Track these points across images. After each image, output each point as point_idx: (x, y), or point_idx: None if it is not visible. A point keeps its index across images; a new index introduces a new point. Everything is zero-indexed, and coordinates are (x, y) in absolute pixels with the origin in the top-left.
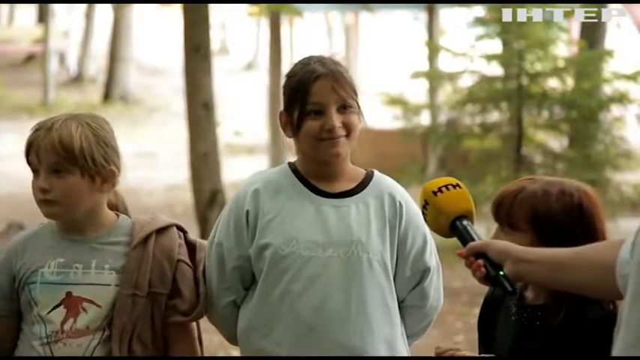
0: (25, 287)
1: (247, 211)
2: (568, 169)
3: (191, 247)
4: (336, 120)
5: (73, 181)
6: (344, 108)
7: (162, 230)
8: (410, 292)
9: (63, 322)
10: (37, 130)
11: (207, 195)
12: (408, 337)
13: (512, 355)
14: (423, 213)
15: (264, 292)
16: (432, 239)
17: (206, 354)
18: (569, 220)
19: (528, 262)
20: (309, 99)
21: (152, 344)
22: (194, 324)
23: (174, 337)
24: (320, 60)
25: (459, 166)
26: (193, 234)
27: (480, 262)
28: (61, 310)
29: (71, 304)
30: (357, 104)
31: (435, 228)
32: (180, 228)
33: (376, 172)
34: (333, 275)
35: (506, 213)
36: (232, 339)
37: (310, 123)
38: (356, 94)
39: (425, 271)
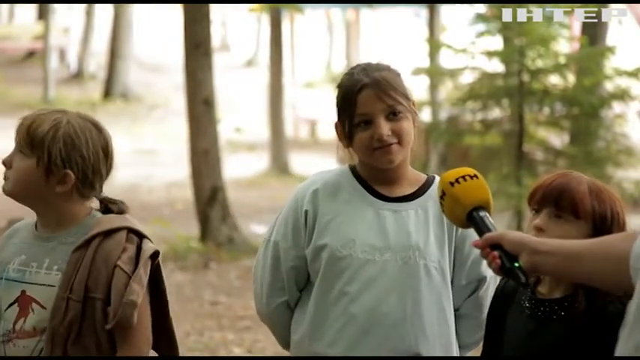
0: None
1: (306, 212)
2: (569, 166)
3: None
4: (385, 128)
5: (28, 165)
6: (393, 115)
7: (109, 233)
8: (465, 300)
9: (15, 322)
10: None
11: (208, 192)
12: (460, 347)
13: (526, 349)
14: (441, 204)
15: (320, 293)
16: None
17: (206, 353)
18: (622, 214)
19: (544, 253)
20: (356, 111)
21: (96, 349)
22: (140, 329)
23: (117, 343)
24: (364, 69)
25: (459, 162)
26: (194, 230)
27: (496, 253)
28: (15, 309)
29: (24, 303)
30: (409, 107)
31: (453, 218)
32: (135, 232)
33: (437, 178)
34: (390, 279)
35: (571, 201)
36: (284, 342)
37: (360, 134)
38: (407, 97)
39: (481, 280)
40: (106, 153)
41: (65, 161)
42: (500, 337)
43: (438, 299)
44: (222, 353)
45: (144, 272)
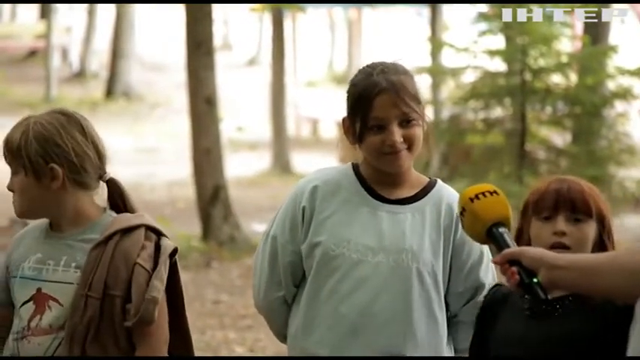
0: (11, 280)
1: (304, 208)
2: (571, 165)
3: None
4: (397, 135)
5: (20, 180)
6: (407, 122)
7: (128, 231)
8: (463, 307)
9: (30, 319)
10: None
11: (210, 191)
12: (457, 351)
13: (527, 348)
14: (461, 220)
15: (312, 290)
16: (489, 255)
17: (208, 352)
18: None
19: (562, 268)
20: (371, 114)
21: (114, 346)
22: (159, 327)
23: (136, 340)
24: (383, 71)
25: (461, 162)
26: (195, 229)
27: (514, 269)
28: (31, 306)
29: (40, 301)
30: (420, 113)
31: (472, 234)
32: (153, 229)
33: (439, 181)
34: (381, 280)
35: (585, 203)
36: (281, 336)
37: (372, 138)
38: (419, 102)
39: (479, 287)
40: (84, 134)
41: (45, 157)
42: (490, 339)
43: (428, 303)
44: (224, 352)
45: (164, 269)
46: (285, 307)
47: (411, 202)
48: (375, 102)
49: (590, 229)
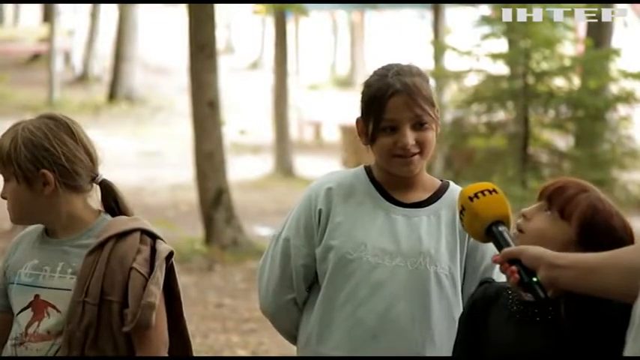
0: (9, 286)
1: (320, 210)
2: (574, 169)
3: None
4: (410, 138)
5: (12, 187)
6: (420, 125)
7: (123, 235)
8: None
9: (28, 326)
10: None
11: (213, 194)
12: None
13: (517, 352)
14: (460, 219)
15: (327, 295)
16: None
17: (210, 353)
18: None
19: (561, 267)
20: (384, 115)
21: (113, 351)
22: (158, 331)
23: (135, 345)
24: (398, 72)
25: (464, 165)
26: (198, 233)
27: (514, 268)
28: (29, 313)
29: (38, 307)
30: (434, 116)
31: (472, 233)
32: (149, 233)
33: (451, 184)
34: (399, 284)
35: (565, 200)
36: (291, 337)
37: (384, 139)
38: (433, 105)
39: None
40: (73, 137)
41: (35, 163)
42: (479, 341)
43: (447, 306)
44: (227, 355)
45: (160, 273)
46: (296, 309)
47: (426, 205)
48: (388, 103)
49: (555, 227)
